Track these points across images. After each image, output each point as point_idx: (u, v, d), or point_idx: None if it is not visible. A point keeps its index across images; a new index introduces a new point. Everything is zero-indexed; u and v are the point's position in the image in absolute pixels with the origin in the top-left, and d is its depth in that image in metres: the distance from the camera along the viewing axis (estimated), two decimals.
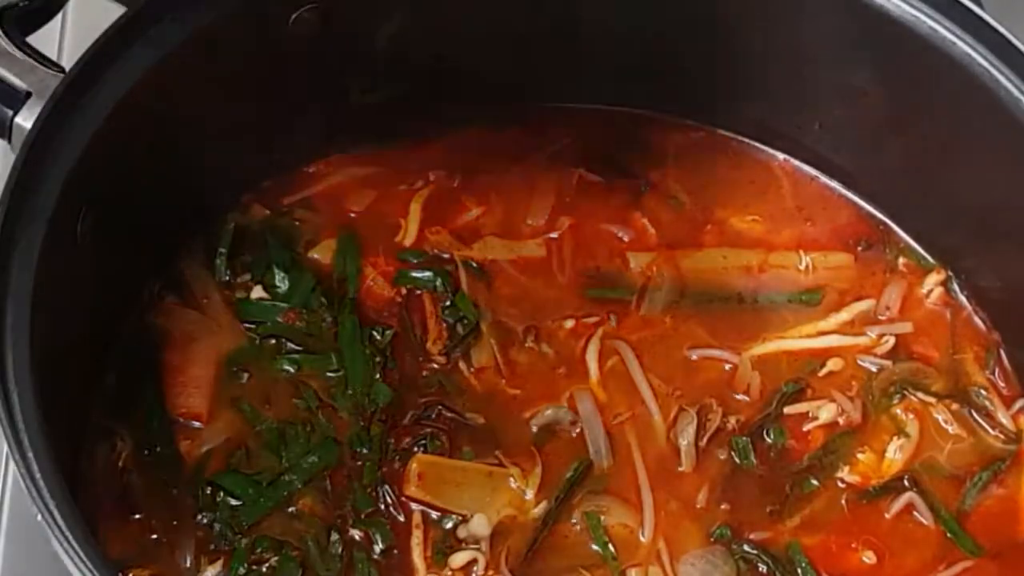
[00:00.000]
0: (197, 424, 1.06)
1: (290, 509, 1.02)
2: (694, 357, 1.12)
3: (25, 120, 0.93)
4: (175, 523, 1.01)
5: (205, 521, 1.01)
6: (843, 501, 1.06)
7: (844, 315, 1.14)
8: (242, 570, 0.99)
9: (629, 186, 1.20)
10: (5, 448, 0.86)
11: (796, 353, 1.12)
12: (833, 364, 1.11)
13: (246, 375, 1.09)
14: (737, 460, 1.07)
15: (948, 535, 1.05)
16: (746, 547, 1.03)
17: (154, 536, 1.01)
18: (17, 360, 0.86)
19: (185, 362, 1.08)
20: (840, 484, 1.07)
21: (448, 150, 1.20)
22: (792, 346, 1.12)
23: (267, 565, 1.00)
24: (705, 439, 1.07)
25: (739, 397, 1.10)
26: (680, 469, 1.07)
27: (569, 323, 1.12)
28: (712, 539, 1.04)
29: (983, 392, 1.11)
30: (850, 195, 1.20)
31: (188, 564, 1.00)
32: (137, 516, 1.01)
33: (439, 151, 1.20)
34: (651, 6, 1.11)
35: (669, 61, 1.15)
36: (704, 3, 1.11)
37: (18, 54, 0.95)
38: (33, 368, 0.87)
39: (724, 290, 1.15)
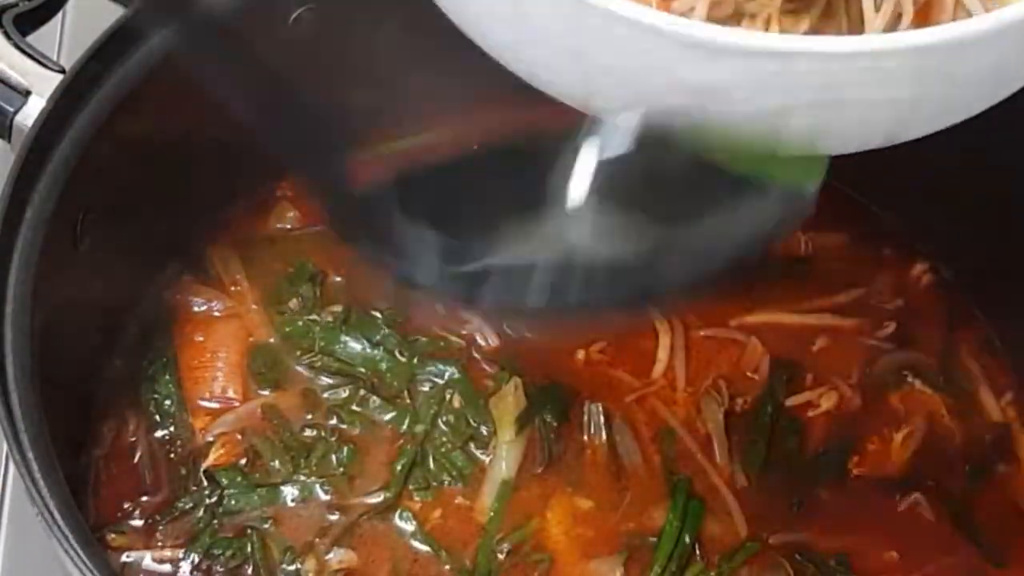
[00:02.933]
0: (215, 405, 1.05)
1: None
2: (701, 334, 1.11)
3: (25, 120, 0.93)
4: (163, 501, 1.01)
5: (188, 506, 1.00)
6: (859, 495, 1.04)
7: (841, 297, 1.14)
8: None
9: None
10: (5, 448, 0.86)
11: (792, 328, 1.11)
12: (830, 343, 1.11)
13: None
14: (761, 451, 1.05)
15: (970, 544, 1.03)
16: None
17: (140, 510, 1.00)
18: (17, 360, 0.86)
19: (208, 343, 1.08)
20: (853, 476, 1.05)
21: None
22: (788, 320, 1.12)
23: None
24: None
25: (749, 375, 1.09)
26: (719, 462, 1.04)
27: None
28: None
29: (976, 382, 1.11)
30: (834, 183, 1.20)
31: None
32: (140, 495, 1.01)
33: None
34: None
35: None
36: None
37: (18, 54, 0.96)
38: (33, 367, 0.87)
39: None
